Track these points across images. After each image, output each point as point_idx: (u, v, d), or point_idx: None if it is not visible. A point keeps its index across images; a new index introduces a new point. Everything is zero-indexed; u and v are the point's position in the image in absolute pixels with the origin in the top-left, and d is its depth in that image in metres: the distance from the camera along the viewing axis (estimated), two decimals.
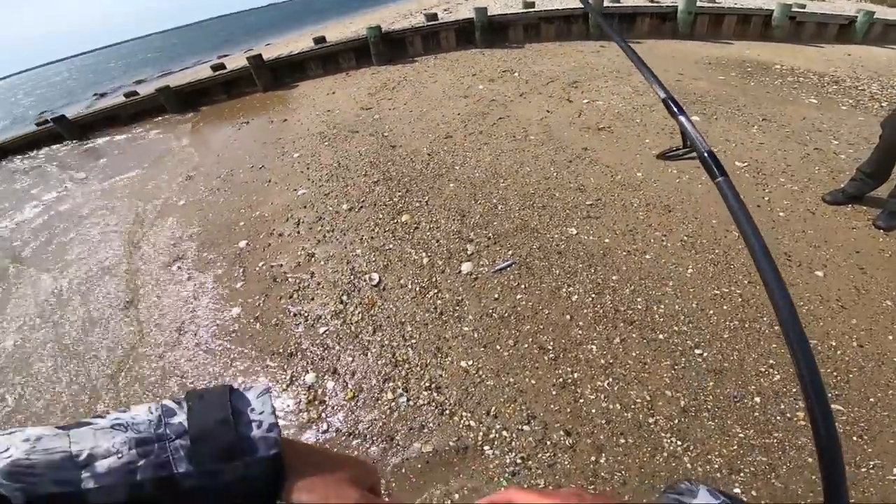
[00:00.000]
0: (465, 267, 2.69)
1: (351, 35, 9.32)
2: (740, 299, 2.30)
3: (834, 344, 2.06)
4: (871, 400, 1.84)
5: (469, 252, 2.80)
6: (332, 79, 7.50)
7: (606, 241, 2.74)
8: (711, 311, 2.25)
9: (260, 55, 7.92)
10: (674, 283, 2.42)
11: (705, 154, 0.77)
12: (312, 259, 3.02)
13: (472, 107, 5.02)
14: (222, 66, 8.79)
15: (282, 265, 3.04)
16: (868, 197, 2.94)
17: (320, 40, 8.52)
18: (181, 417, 0.32)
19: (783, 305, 0.50)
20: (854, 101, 4.91)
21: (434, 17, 8.88)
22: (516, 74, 6.05)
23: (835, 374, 1.95)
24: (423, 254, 2.85)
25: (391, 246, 2.97)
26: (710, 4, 9.24)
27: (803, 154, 3.57)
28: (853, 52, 8.10)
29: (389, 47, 7.89)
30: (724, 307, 2.27)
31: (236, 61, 10.65)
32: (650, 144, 3.76)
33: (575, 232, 2.85)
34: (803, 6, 10.49)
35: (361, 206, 3.46)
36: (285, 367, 2.32)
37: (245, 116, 6.56)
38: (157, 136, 6.87)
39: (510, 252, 2.74)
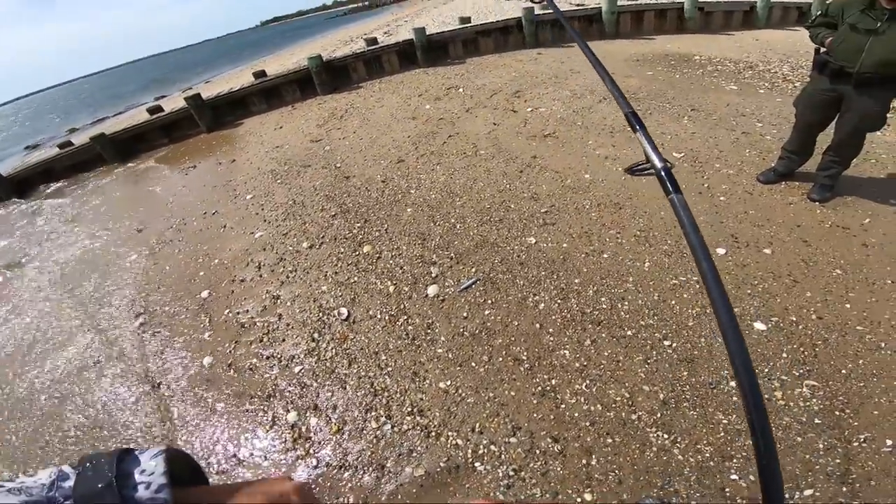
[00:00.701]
0: (431, 290, 2.70)
1: (292, 67, 9.23)
2: (698, 285, 2.40)
3: (794, 319, 2.16)
4: (843, 372, 1.91)
5: (433, 274, 2.80)
6: (278, 113, 7.37)
7: (564, 245, 2.81)
8: (673, 301, 2.33)
9: (199, 94, 7.60)
10: (634, 279, 2.50)
11: (661, 172, 0.80)
12: (278, 301, 2.96)
13: (421, 127, 5.06)
14: (160, 109, 8.36)
15: (248, 310, 2.97)
16: (798, 173, 3.15)
17: (260, 74, 8.30)
18: (71, 482, 0.33)
19: (732, 337, 0.52)
20: (770, 85, 5.28)
21: (374, 41, 8.92)
22: (461, 90, 6.16)
23: (801, 349, 2.02)
24: (389, 282, 2.84)
25: (356, 278, 2.94)
26: (630, 2, 9.79)
27: (733, 139, 3.80)
28: (760, 36, 8.74)
29: (333, 76, 7.83)
30: (685, 295, 2.36)
31: (174, 102, 10.29)
32: (593, 145, 3.90)
33: (534, 241, 2.90)
34: None
35: (322, 243, 3.40)
36: (265, 409, 2.27)
37: (191, 160, 6.34)
38: (99, 188, 6.53)
39: (473, 269, 2.76)
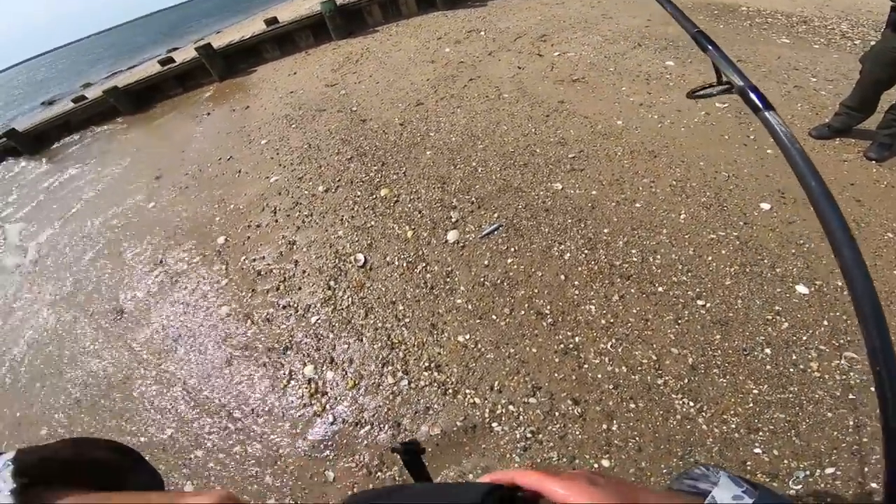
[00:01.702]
0: (451, 236, 2.58)
1: (305, 13, 8.86)
2: (738, 241, 2.22)
3: (839, 284, 1.97)
4: None
5: (453, 220, 2.67)
6: (292, 59, 7.10)
7: (594, 192, 2.63)
8: (710, 258, 2.16)
9: (209, 44, 7.45)
10: (668, 231, 2.33)
11: (747, 88, 0.65)
12: (294, 247, 2.89)
13: (441, 71, 4.79)
14: (171, 60, 8.29)
15: (264, 257, 2.90)
16: (855, 130, 2.86)
17: (272, 21, 8.01)
18: None
19: (849, 254, 0.41)
20: (826, 41, 4.82)
21: None
22: (482, 33, 5.78)
23: (844, 317, 1.86)
24: (407, 227, 2.73)
25: (373, 223, 2.84)
26: None
27: (784, 92, 3.48)
28: None
29: (347, 20, 7.45)
30: (723, 252, 2.19)
31: (186, 53, 10.06)
32: (627, 92, 3.61)
33: (560, 187, 2.73)
34: None
35: (338, 186, 3.28)
36: (283, 362, 2.23)
37: (205, 108, 6.20)
38: (116, 139, 6.49)
39: (496, 215, 2.62)
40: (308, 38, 7.54)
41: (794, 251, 2.14)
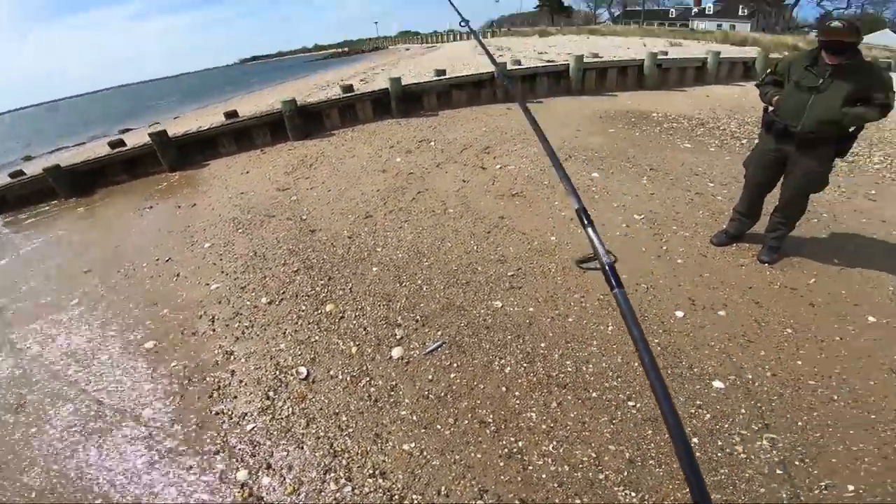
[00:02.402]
0: (396, 352, 2.69)
1: (265, 109, 9.32)
2: (659, 347, 2.51)
3: (750, 377, 2.29)
4: (800, 424, 2.04)
5: (398, 336, 2.80)
6: (247, 156, 7.33)
7: (531, 309, 2.87)
8: (636, 364, 2.41)
9: (164, 131, 7.44)
10: (598, 342, 2.58)
11: (606, 266, 0.88)
12: (232, 357, 2.89)
13: (391, 181, 5.14)
14: (122, 143, 8.14)
15: (197, 365, 2.88)
16: (748, 234, 3.36)
17: (232, 115, 8.27)
18: None
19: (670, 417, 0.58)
20: (719, 142, 5.76)
21: (350, 88, 9.16)
22: (432, 144, 6.35)
23: (759, 405, 2.14)
24: (351, 343, 2.82)
25: (317, 338, 2.91)
26: (595, 60, 10.59)
27: (688, 199, 4.08)
28: (710, 92, 9.57)
29: (306, 121, 7.87)
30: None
31: (139, 136, 9.99)
32: (559, 206, 4.07)
33: (500, 305, 2.95)
34: (665, 53, 12.52)
35: (282, 299, 3.35)
36: (211, 465, 2.18)
37: (149, 201, 6.18)
38: (48, 222, 6.27)
39: (439, 332, 2.78)
40: (265, 136, 7.83)
41: (707, 352, 2.46)
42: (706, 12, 53.92)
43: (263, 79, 42.53)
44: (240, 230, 4.59)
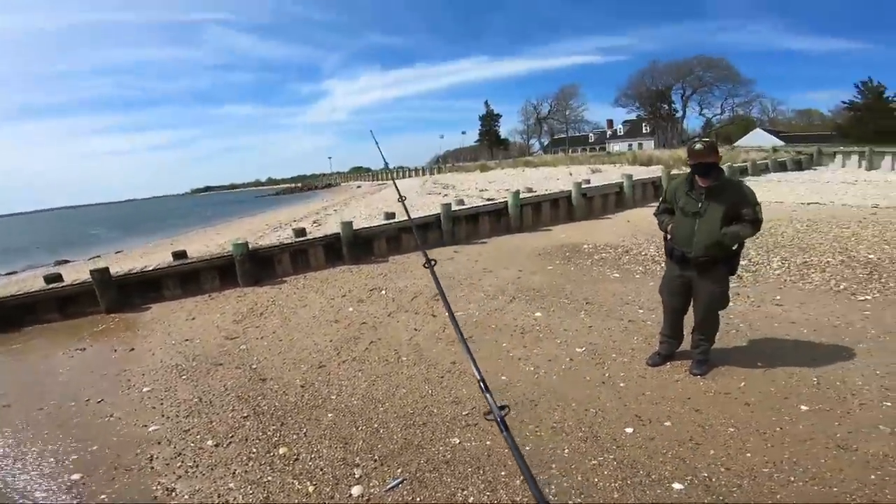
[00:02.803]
0: (356, 490, 2.69)
1: (215, 249, 9.58)
2: (615, 462, 2.72)
3: (706, 474, 2.52)
4: None
5: (357, 475, 2.81)
6: (193, 301, 7.28)
7: (488, 442, 3.02)
8: (597, 479, 2.60)
9: (106, 268, 7.30)
10: (557, 465, 2.74)
11: (498, 419, 1.21)
12: (174, 493, 2.79)
13: (344, 332, 5.29)
14: (59, 278, 7.74)
15: (133, 497, 2.79)
16: (678, 353, 3.80)
17: (181, 255, 8.27)
18: None
19: None
20: (643, 268, 6.61)
21: (303, 231, 9.69)
22: (383, 292, 6.67)
23: (721, 498, 2.35)
24: (308, 482, 2.79)
25: (270, 478, 2.86)
26: (530, 195, 12.22)
27: (622, 328, 4.60)
28: (631, 217, 11.16)
29: (257, 265, 7.99)
30: (605, 472, 2.66)
31: (77, 272, 9.80)
32: (507, 347, 4.40)
33: (458, 441, 3.08)
34: (588, 181, 14.87)
35: (230, 442, 3.28)
36: None
37: (82, 342, 5.93)
38: None
39: (399, 470, 2.82)
40: (214, 280, 7.81)
41: (661, 459, 2.68)
42: (618, 134, 65.26)
43: (216, 213, 43.35)
44: (183, 377, 4.49)
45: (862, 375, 3.36)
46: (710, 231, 3.10)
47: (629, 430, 3.00)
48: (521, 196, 11.24)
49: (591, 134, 69.10)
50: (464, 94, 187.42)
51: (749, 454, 2.67)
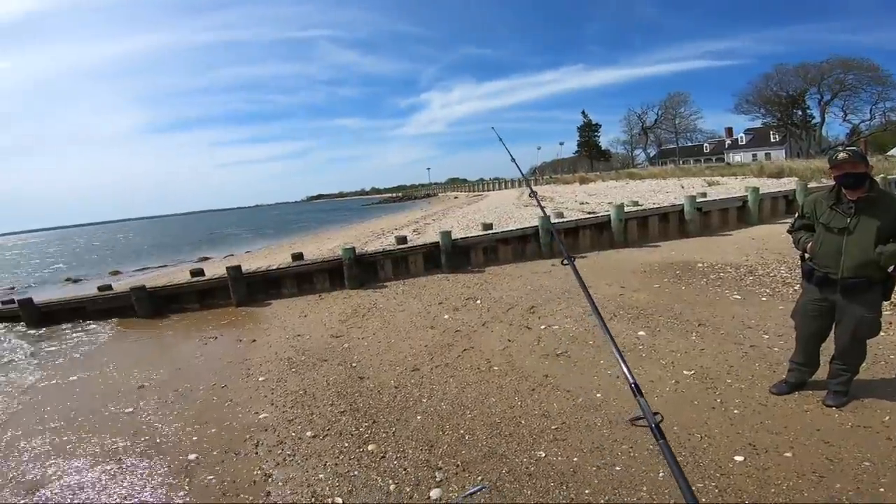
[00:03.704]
0: (434, 493, 2.75)
1: (327, 254, 10.56)
2: (717, 490, 2.48)
3: None
4: None
5: (438, 479, 2.87)
6: (305, 300, 8.14)
7: (575, 459, 2.90)
8: None
9: (239, 266, 8.55)
10: (647, 488, 2.55)
11: (652, 426, 1.15)
12: (269, 479, 3.08)
13: (439, 338, 5.46)
14: (201, 272, 9.34)
15: (234, 481, 3.09)
16: (810, 382, 3.30)
17: (298, 257, 9.35)
18: None
19: None
20: (770, 291, 5.80)
21: (404, 240, 10.29)
22: (479, 302, 6.76)
23: None
24: (391, 481, 2.92)
25: (356, 472, 3.04)
26: (636, 208, 11.27)
27: (741, 353, 4.09)
28: (755, 234, 9.64)
29: (362, 270, 8.71)
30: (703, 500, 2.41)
31: (215, 267, 11.49)
32: (605, 365, 4.14)
33: (543, 455, 3.00)
34: (704, 194, 13.16)
35: (326, 435, 3.56)
36: None
37: (214, 331, 6.96)
38: (120, 337, 7.34)
39: (480, 478, 2.83)
40: (324, 282, 8.71)
41: (773, 490, 2.43)
42: (739, 143, 57.19)
43: (327, 218, 48.58)
44: (293, 369, 5.02)
45: None
46: (862, 249, 2.72)
47: (739, 458, 2.70)
48: (626, 209, 10.52)
49: (705, 144, 61.65)
50: (560, 104, 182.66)
51: (883, 489, 2.31)
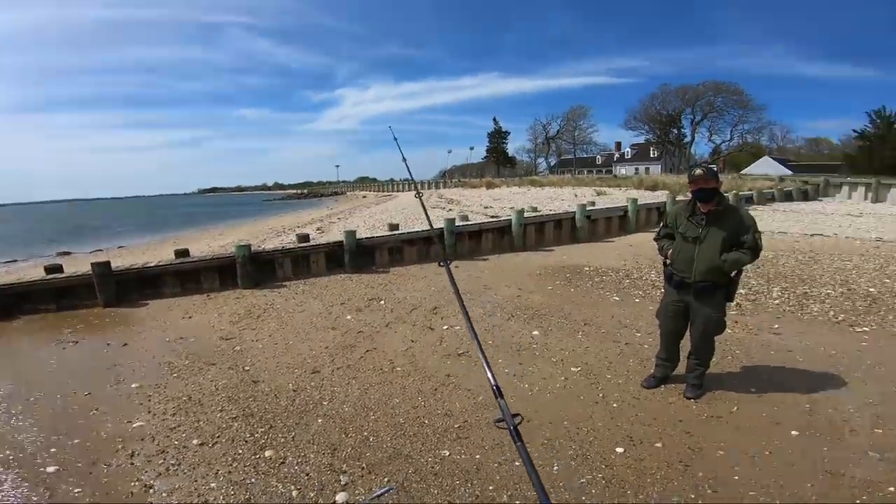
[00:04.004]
0: (341, 497, 2.69)
1: (217, 250, 9.63)
2: (603, 482, 2.73)
3: (693, 496, 2.56)
4: None
5: (343, 483, 2.81)
6: (191, 300, 7.31)
7: (478, 457, 3.02)
8: (584, 499, 2.62)
9: (108, 262, 7.36)
10: (546, 482, 2.70)
11: (511, 428, 1.18)
12: (151, 490, 2.81)
13: (340, 339, 5.31)
14: (59, 269, 7.79)
15: (108, 493, 2.81)
16: (673, 376, 3.82)
17: (183, 253, 8.35)
18: None
19: None
20: (643, 293, 6.62)
21: (306, 237, 9.78)
22: (382, 303, 6.70)
23: None
24: (292, 487, 2.80)
25: (253, 480, 2.87)
26: (534, 214, 12.23)
27: (618, 351, 4.61)
28: (633, 241, 10.97)
29: (258, 268, 8.03)
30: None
31: (77, 263, 9.86)
32: (503, 364, 4.38)
33: (448, 453, 3.08)
34: (593, 203, 14.83)
35: (216, 442, 3.29)
36: None
37: (74, 334, 5.96)
38: None
39: (386, 479, 2.82)
40: (213, 281, 7.86)
41: (649, 480, 2.73)
42: (625, 157, 65.18)
43: (221, 213, 44.00)
44: (175, 374, 4.51)
45: (854, 403, 3.41)
46: (710, 256, 3.16)
47: (620, 449, 3.01)
48: (526, 215, 11.30)
49: (598, 156, 69.35)
50: (474, 109, 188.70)
51: (737, 477, 2.70)
